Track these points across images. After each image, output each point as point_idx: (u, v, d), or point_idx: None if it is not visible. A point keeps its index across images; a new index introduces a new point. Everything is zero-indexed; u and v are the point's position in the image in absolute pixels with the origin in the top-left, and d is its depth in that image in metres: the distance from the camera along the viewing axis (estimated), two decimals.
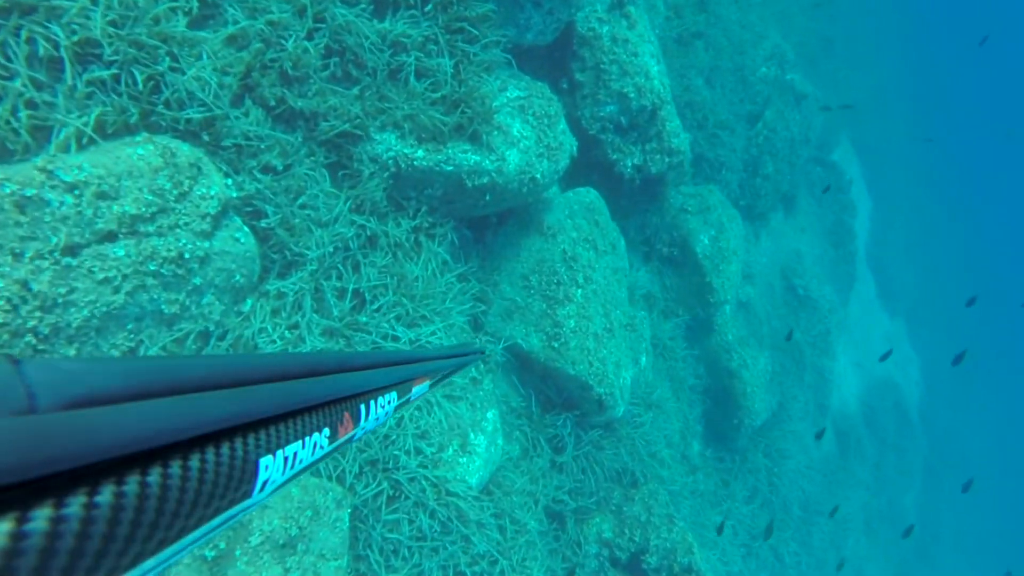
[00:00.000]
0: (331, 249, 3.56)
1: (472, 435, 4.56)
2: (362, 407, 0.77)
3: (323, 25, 3.48)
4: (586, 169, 6.21)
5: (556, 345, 5.44)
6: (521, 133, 4.58)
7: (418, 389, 1.06)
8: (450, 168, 4.21)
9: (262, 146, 3.22)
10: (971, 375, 21.30)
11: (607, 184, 6.51)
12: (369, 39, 3.60)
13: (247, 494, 0.49)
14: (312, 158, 3.55)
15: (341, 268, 3.74)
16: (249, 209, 3.25)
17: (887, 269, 16.14)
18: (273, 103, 3.31)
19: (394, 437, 3.89)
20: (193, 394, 0.44)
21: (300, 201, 3.43)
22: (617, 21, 5.42)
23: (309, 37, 3.45)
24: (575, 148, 5.10)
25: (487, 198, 4.49)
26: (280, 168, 3.32)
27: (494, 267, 5.25)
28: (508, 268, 5.25)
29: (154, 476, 0.38)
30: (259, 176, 3.24)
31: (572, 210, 5.54)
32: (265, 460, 0.52)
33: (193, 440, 0.43)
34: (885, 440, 14.09)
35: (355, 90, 3.67)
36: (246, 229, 3.21)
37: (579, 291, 5.60)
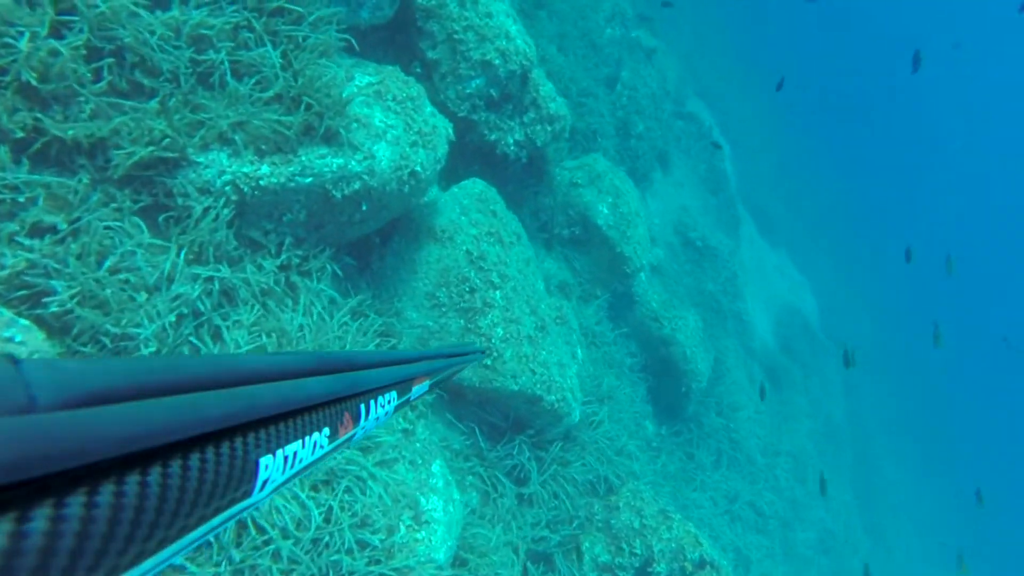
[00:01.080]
0: (173, 319, 2.55)
1: (423, 500, 4.04)
2: (362, 407, 0.77)
3: (75, 18, 2.39)
4: (464, 159, 6.06)
5: (488, 363, 5.00)
6: (385, 122, 4.12)
7: (418, 388, 1.05)
8: (309, 180, 3.68)
9: (20, 199, 2.11)
10: (855, 284, 22.57)
11: (491, 171, 6.30)
12: (155, 34, 2.55)
13: (247, 493, 0.50)
14: (112, 205, 2.50)
15: (195, 340, 2.72)
16: (22, 292, 2.13)
17: (759, 205, 18.05)
18: (21, 134, 2.21)
19: (327, 539, 2.86)
20: (193, 393, 0.44)
21: (107, 265, 2.32)
22: None
23: (56, 35, 2.35)
24: (451, 130, 4.79)
25: (364, 208, 4.04)
26: (62, 227, 2.23)
27: (392, 293, 4.45)
28: (409, 290, 4.44)
29: (154, 476, 0.39)
30: (26, 243, 2.12)
31: (463, 206, 5.46)
32: (265, 459, 0.52)
33: (193, 439, 0.44)
34: (806, 364, 15.51)
35: (153, 103, 2.59)
36: (23, 323, 2.09)
37: (497, 293, 5.21)
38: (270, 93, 3.37)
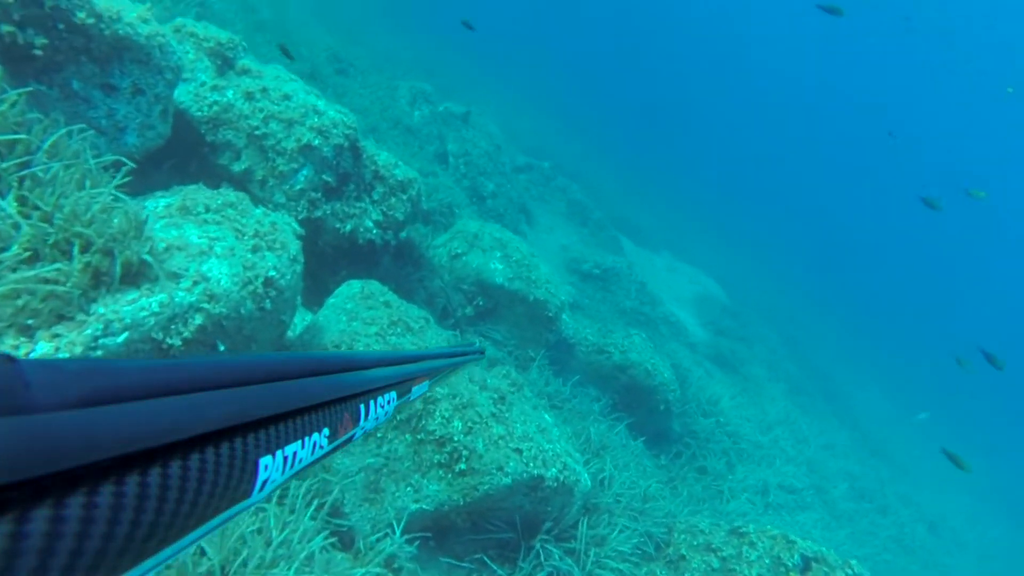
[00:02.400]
0: None
1: None
2: (362, 407, 0.77)
3: None
4: (328, 267, 5.46)
5: (462, 467, 4.16)
6: (207, 236, 3.44)
7: (418, 389, 1.06)
8: (123, 337, 2.76)
9: None
10: (738, 255, 23.83)
11: (362, 269, 5.74)
12: None
13: (247, 493, 0.51)
14: None
15: None
16: None
17: (623, 219, 18.77)
18: None
19: None
20: (193, 394, 0.45)
21: None
22: (238, 80, 3.89)
23: None
24: (295, 223, 4.20)
25: (222, 349, 3.29)
26: None
27: None
28: None
29: (154, 476, 0.39)
30: None
31: (348, 311, 4.71)
32: (265, 460, 0.53)
33: (193, 440, 0.45)
34: (744, 337, 15.74)
35: None
36: None
37: (444, 390, 4.38)
38: (12, 251, 2.27)
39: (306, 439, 0.60)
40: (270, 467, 0.53)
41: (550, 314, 7.55)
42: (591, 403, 7.82)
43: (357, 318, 4.52)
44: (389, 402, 0.87)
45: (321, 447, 0.63)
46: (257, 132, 4.72)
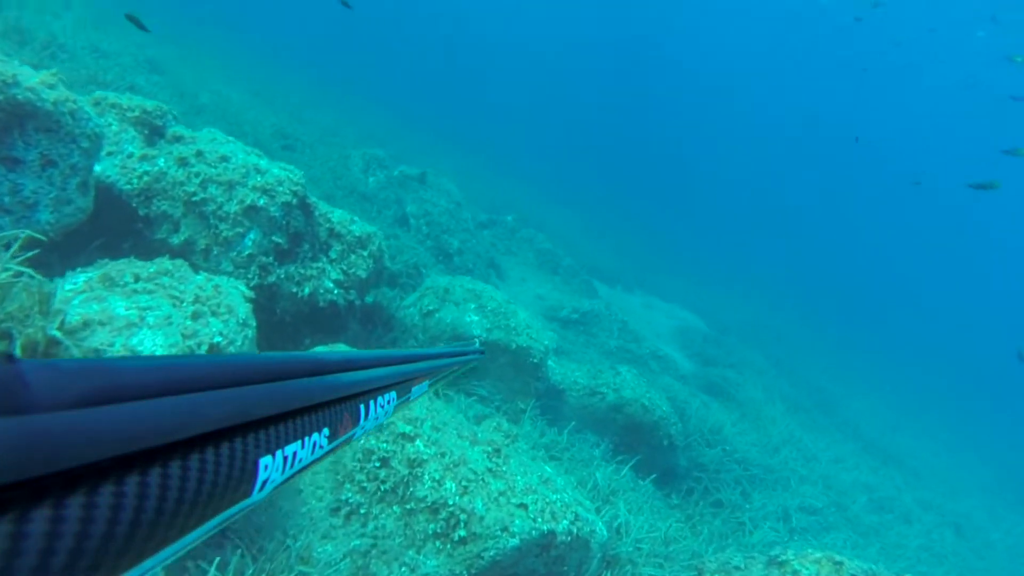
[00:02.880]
0: None
1: None
2: (362, 407, 0.77)
3: None
4: (290, 338, 5.06)
5: (462, 534, 3.69)
6: (136, 307, 3.09)
7: (418, 389, 1.06)
8: None
9: None
10: (708, 286, 24.13)
11: (328, 335, 5.35)
12: None
13: (247, 493, 0.51)
14: None
15: None
16: None
17: (592, 265, 18.74)
18: None
19: None
20: (193, 394, 0.45)
21: None
22: (170, 147, 3.59)
23: None
24: (243, 286, 3.81)
25: None
26: None
27: (280, 537, 3.59)
28: (303, 519, 3.39)
29: (154, 476, 0.39)
30: None
31: None
32: (265, 460, 0.53)
33: (193, 440, 0.45)
34: (732, 364, 15.55)
35: None
36: None
37: (418, 443, 4.00)
38: None
39: (306, 439, 0.60)
40: (270, 467, 0.53)
41: (535, 360, 7.20)
42: (591, 449, 7.50)
43: None
44: (389, 402, 0.87)
45: (321, 447, 0.64)
46: (195, 199, 4.40)
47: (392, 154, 14.28)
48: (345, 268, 5.18)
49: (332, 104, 20.95)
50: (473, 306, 7.30)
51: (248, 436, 0.50)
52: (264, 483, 0.52)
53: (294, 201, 4.80)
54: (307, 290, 4.84)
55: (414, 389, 1.02)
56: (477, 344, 4.10)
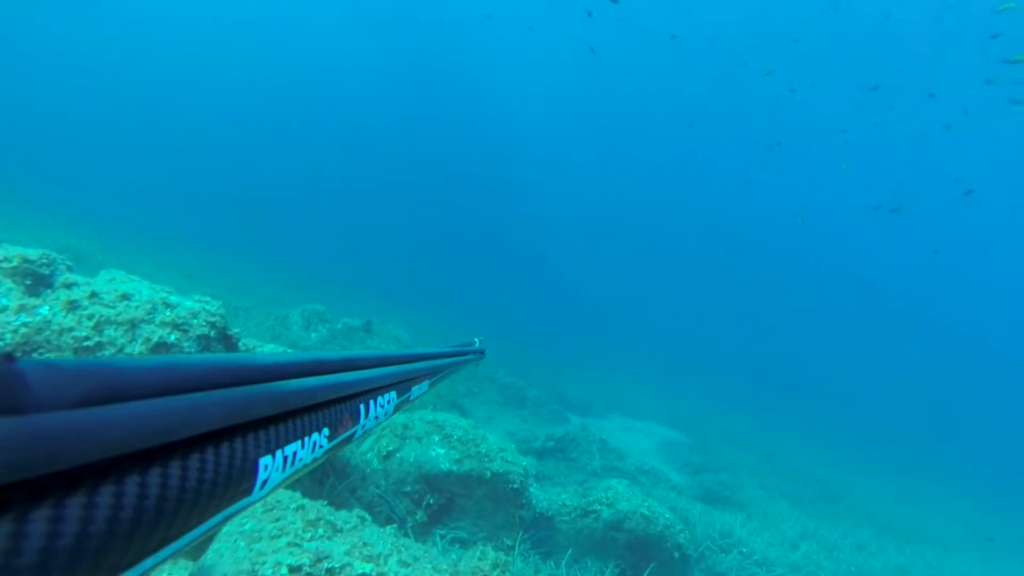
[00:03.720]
0: None
1: None
2: (361, 407, 0.77)
3: None
4: None
5: None
6: None
7: (417, 389, 1.07)
8: None
9: None
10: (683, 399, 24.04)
11: None
12: None
13: (247, 492, 0.51)
14: None
15: None
16: None
17: (564, 395, 18.16)
18: None
19: None
20: (193, 393, 0.45)
21: None
22: (56, 293, 3.21)
23: None
24: None
25: None
26: None
27: None
28: None
29: (153, 476, 0.39)
30: None
31: (247, 533, 4.16)
32: (265, 460, 0.53)
33: (193, 440, 0.45)
34: (724, 467, 15.23)
35: None
36: None
37: None
38: None
39: (306, 439, 0.59)
40: (270, 467, 0.53)
41: (515, 486, 6.42)
42: None
43: (261, 537, 3.28)
44: (389, 402, 0.87)
45: (321, 446, 0.63)
46: (88, 343, 3.75)
47: (333, 307, 14.01)
48: None
49: (273, 278, 21.02)
50: (437, 438, 6.59)
51: (248, 436, 0.50)
52: (264, 482, 0.52)
53: (212, 333, 4.25)
54: None
55: (414, 389, 1.02)
56: (476, 344, 3.98)
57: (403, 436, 6.68)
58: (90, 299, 3.81)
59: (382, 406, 0.83)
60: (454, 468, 6.36)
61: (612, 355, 31.33)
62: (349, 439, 0.72)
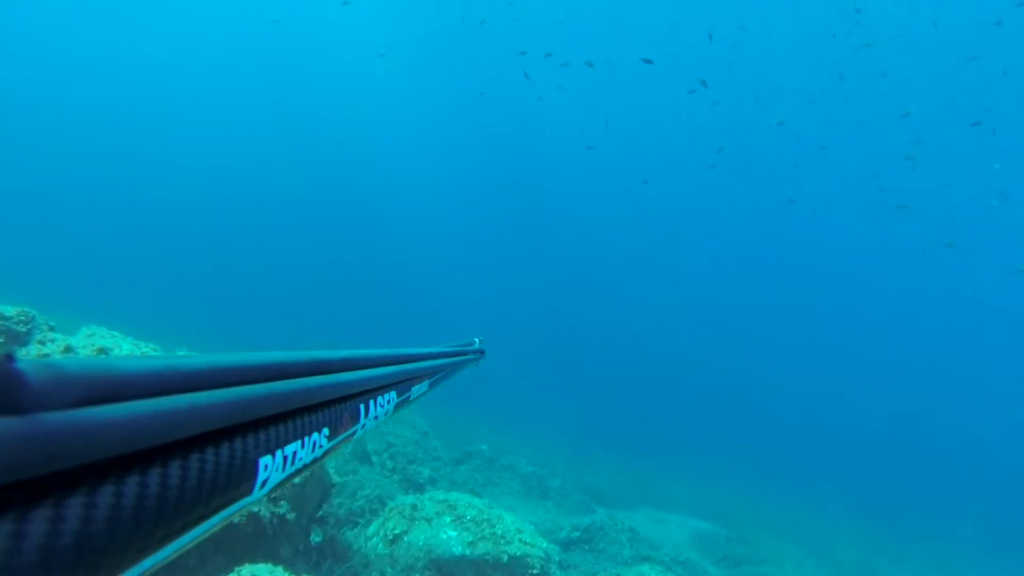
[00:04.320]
0: None
1: None
2: (361, 406, 0.77)
3: None
4: (180, 568, 3.58)
5: None
6: None
7: (417, 388, 1.07)
8: None
9: None
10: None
11: (243, 554, 4.30)
12: None
13: (247, 491, 0.51)
14: None
15: None
16: None
17: (589, 486, 17.01)
18: None
19: None
20: (193, 393, 0.45)
21: None
22: (28, 349, 3.19)
23: None
24: None
25: None
26: None
27: None
28: None
29: (154, 476, 0.39)
30: None
31: None
32: (265, 459, 0.53)
33: (193, 439, 0.45)
34: (766, 559, 14.52)
35: None
36: None
37: None
38: None
39: (306, 439, 0.59)
40: (270, 467, 0.53)
41: (535, 572, 5.78)
42: None
43: None
44: (389, 401, 0.86)
45: (321, 446, 0.63)
46: None
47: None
48: None
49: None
50: (449, 519, 6.02)
51: (248, 436, 0.50)
52: (264, 482, 0.52)
53: None
54: None
55: (414, 389, 1.01)
56: (476, 343, 3.62)
57: (412, 517, 6.14)
58: (63, 354, 3.58)
59: (382, 406, 0.83)
60: (467, 552, 5.76)
61: (638, 443, 29.97)
62: (349, 439, 0.73)
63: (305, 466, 0.60)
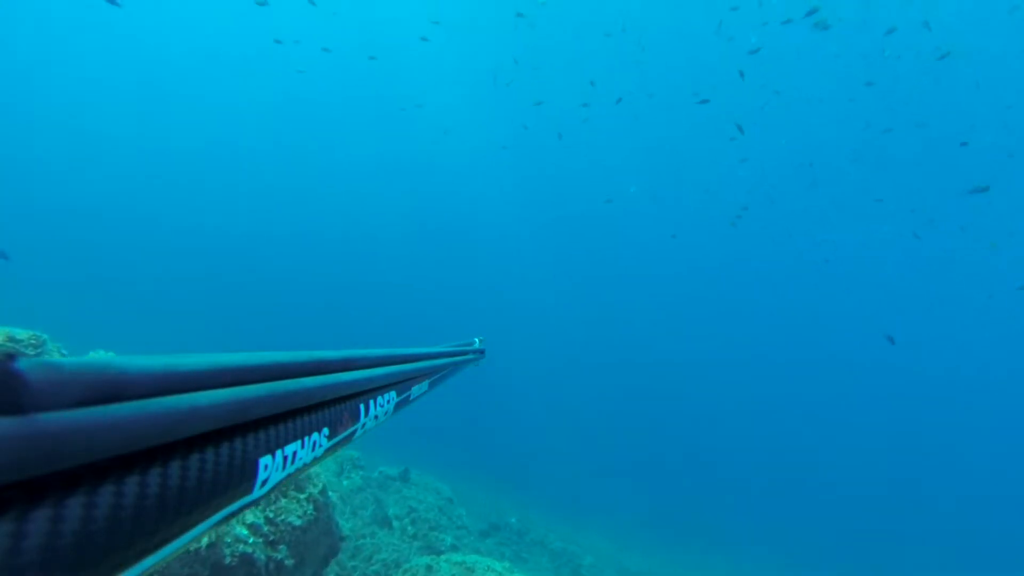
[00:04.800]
0: None
1: None
2: (361, 406, 0.76)
3: None
4: None
5: None
6: None
7: (417, 388, 1.05)
8: None
9: None
10: None
11: None
12: None
13: (247, 491, 0.50)
14: None
15: None
16: None
17: (626, 569, 15.99)
18: None
19: None
20: (193, 393, 0.44)
21: None
22: None
23: None
24: None
25: None
26: None
27: None
28: None
29: (153, 476, 0.39)
30: None
31: None
32: (264, 459, 0.52)
33: (193, 439, 0.44)
34: None
35: None
36: None
37: None
38: None
39: (306, 439, 0.58)
40: (270, 467, 0.52)
41: None
42: None
43: None
44: (389, 401, 0.85)
45: (320, 446, 0.62)
46: None
47: (370, 451, 12.90)
48: (271, 515, 3.73)
49: None
50: None
51: (248, 436, 0.50)
52: (265, 481, 0.51)
53: None
54: (204, 539, 3.40)
55: (414, 389, 1.00)
56: (477, 343, 3.33)
57: None
58: None
59: (382, 406, 0.82)
60: None
61: (684, 522, 28.16)
62: (349, 438, 0.72)
63: (305, 465, 0.59)
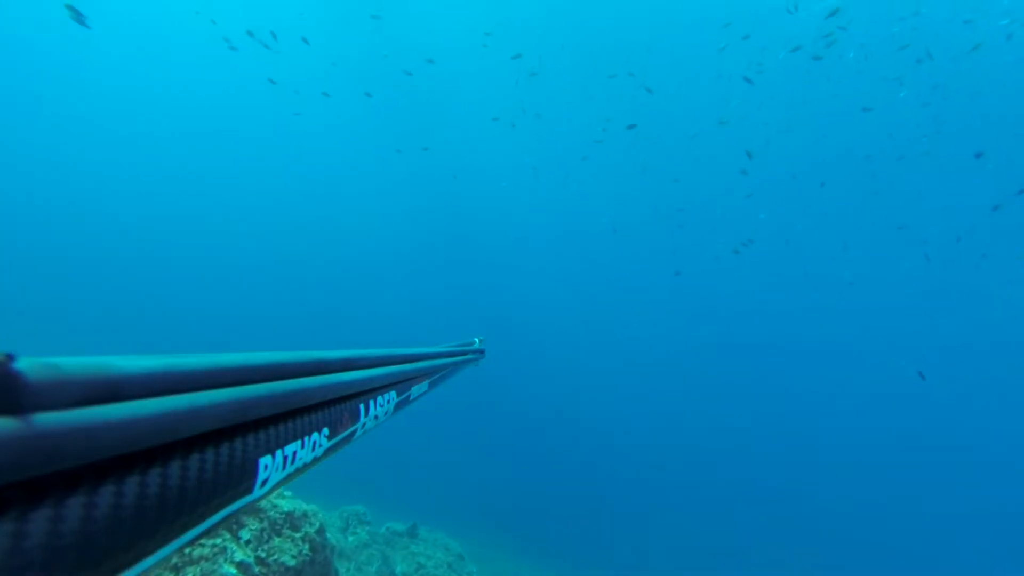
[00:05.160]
0: None
1: None
2: (361, 406, 0.76)
3: None
4: None
5: None
6: None
7: (417, 388, 1.04)
8: None
9: None
10: None
11: None
12: None
13: (248, 491, 0.50)
14: None
15: None
16: None
17: None
18: None
19: None
20: (193, 393, 0.44)
21: None
22: None
23: None
24: None
25: None
26: None
27: None
28: None
29: (153, 476, 0.39)
30: None
31: None
32: (265, 459, 0.52)
33: (193, 439, 0.44)
34: None
35: None
36: None
37: None
38: None
39: (306, 438, 0.58)
40: (270, 467, 0.52)
41: None
42: None
43: None
44: (388, 401, 0.85)
45: (320, 446, 0.62)
46: None
47: (379, 507, 12.58)
48: (263, 555, 3.43)
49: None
50: None
51: (248, 436, 0.49)
52: (265, 481, 0.51)
53: None
54: None
55: (414, 389, 0.99)
56: (476, 343, 3.31)
57: None
58: None
59: (382, 406, 0.82)
60: None
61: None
62: (349, 438, 0.72)
63: (305, 465, 0.59)
